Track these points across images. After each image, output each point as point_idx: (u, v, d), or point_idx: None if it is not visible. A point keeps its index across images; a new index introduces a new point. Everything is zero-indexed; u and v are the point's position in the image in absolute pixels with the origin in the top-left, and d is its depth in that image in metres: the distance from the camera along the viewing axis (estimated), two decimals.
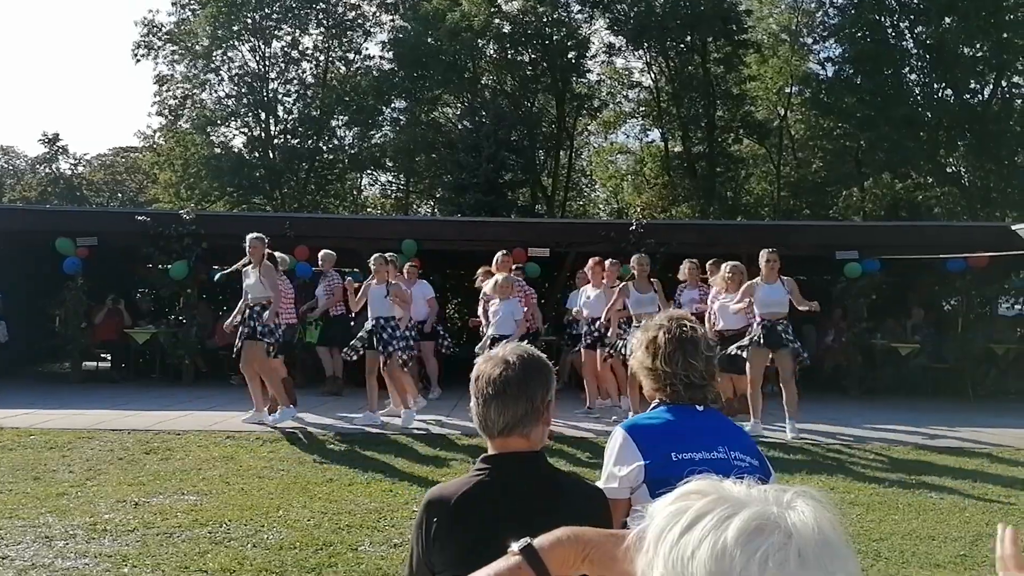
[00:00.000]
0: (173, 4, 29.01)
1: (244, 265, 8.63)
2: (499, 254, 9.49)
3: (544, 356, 2.03)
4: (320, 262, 11.01)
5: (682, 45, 26.68)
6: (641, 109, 30.38)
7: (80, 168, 37.88)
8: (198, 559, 4.58)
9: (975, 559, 4.84)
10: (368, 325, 8.62)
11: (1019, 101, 25.25)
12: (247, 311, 8.43)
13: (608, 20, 26.98)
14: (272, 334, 8.32)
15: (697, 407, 2.32)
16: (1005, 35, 23.33)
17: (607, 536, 1.29)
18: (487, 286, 8.97)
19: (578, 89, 28.61)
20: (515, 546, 1.29)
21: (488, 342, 8.22)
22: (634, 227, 12.48)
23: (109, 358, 14.32)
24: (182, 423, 8.47)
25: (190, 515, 5.35)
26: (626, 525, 2.20)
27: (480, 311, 9.54)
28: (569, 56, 27.30)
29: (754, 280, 8.52)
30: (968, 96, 24.92)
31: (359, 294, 8.81)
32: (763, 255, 8.48)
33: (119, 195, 37.58)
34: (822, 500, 0.82)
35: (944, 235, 13.37)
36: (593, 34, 28.11)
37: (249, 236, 8.54)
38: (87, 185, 36.96)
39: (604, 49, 28.55)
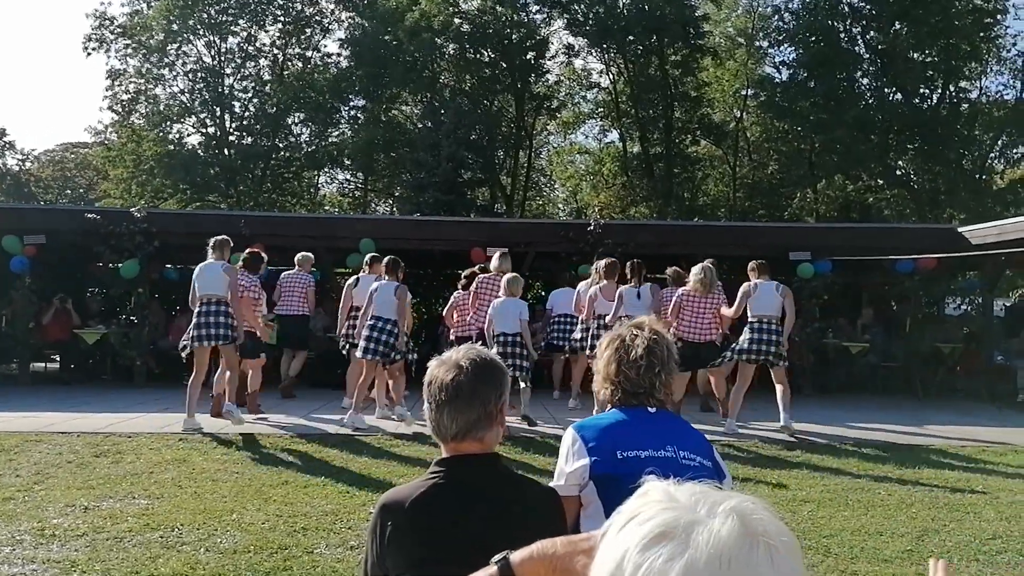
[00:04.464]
0: None
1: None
2: (498, 253, 9.50)
3: (498, 358, 2.04)
4: (296, 264, 10.84)
5: (640, 47, 26.89)
6: (600, 110, 30.57)
7: (28, 164, 37.01)
8: (149, 564, 4.51)
9: (921, 554, 4.96)
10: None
11: (966, 105, 25.92)
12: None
13: (566, 21, 27.09)
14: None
15: (648, 408, 2.37)
16: (953, 41, 23.95)
17: (575, 544, 1.34)
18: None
19: (537, 89, 28.69)
20: (494, 559, 1.36)
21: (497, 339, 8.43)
22: (592, 227, 12.56)
23: (58, 359, 14.02)
24: (133, 425, 8.33)
25: (141, 519, 5.26)
26: (578, 523, 2.24)
27: (447, 312, 9.64)
28: (528, 56, 27.35)
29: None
30: (918, 100, 25.52)
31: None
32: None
33: (68, 192, 36.75)
34: (759, 513, 0.79)
35: (893, 237, 13.68)
36: (552, 35, 28.24)
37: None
38: (35, 182, 36.08)
39: (563, 50, 28.72)
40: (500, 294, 8.65)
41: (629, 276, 9.03)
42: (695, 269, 9.10)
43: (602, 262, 9.26)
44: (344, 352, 9.83)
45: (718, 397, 9.39)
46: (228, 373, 8.39)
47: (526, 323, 8.60)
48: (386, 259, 8.87)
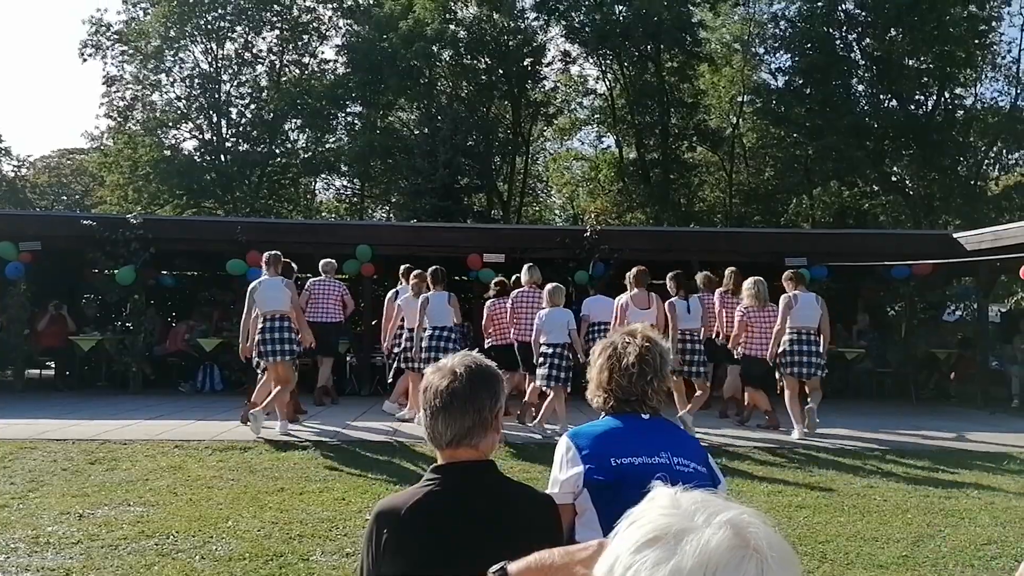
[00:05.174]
0: (124, 3, 28.49)
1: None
2: (526, 267, 9.61)
3: (494, 365, 2.05)
4: (322, 271, 10.77)
5: (636, 53, 26.96)
6: (596, 116, 30.62)
7: (23, 170, 36.94)
8: (144, 572, 4.50)
9: (916, 560, 4.97)
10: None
11: (961, 112, 26.00)
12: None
13: (563, 28, 27.16)
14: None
15: (642, 415, 2.38)
16: (948, 48, 24.03)
17: (572, 554, 1.35)
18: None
19: (534, 95, 28.75)
20: (492, 569, 1.37)
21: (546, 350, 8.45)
22: (588, 233, 12.60)
23: (53, 365, 13.99)
24: (129, 432, 8.31)
25: (136, 527, 5.25)
26: (573, 531, 2.24)
27: (485, 323, 9.93)
28: (525, 63, 27.40)
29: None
30: (913, 107, 25.60)
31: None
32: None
33: (64, 198, 36.70)
34: (755, 526, 0.80)
35: (889, 243, 13.71)
36: (549, 42, 28.30)
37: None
38: (30, 188, 36.04)
39: (560, 56, 28.79)
40: (544, 305, 8.68)
41: (674, 289, 9.02)
42: (747, 284, 9.13)
43: (632, 270, 9.19)
44: (391, 362, 9.86)
45: (753, 408, 9.51)
46: (279, 388, 8.32)
47: (575, 331, 8.64)
48: (431, 269, 9.00)
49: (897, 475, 7.16)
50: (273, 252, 8.48)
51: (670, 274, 9.17)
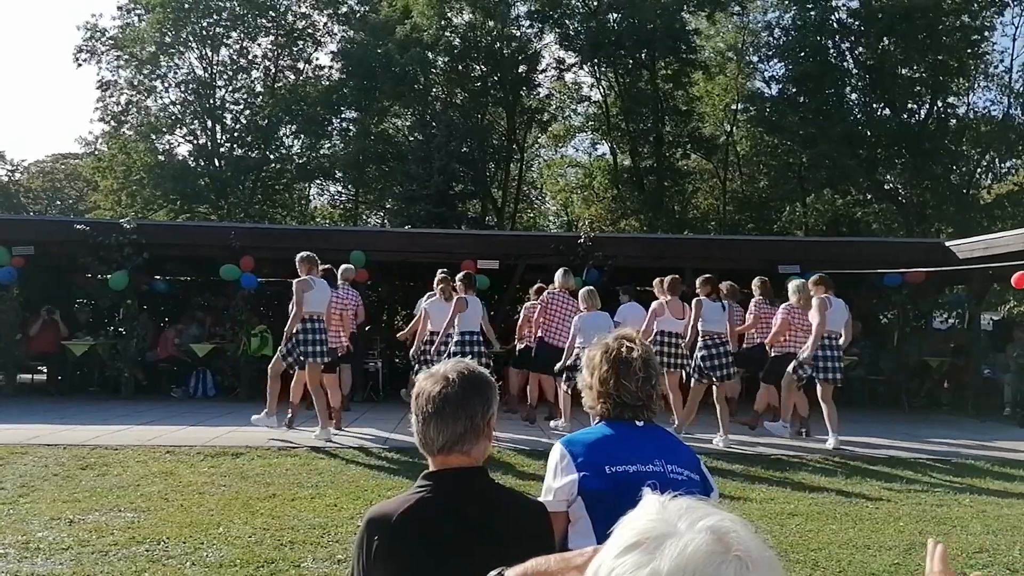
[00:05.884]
0: (119, 9, 28.46)
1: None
2: (561, 270, 9.74)
3: (487, 372, 2.05)
4: (340, 277, 10.50)
5: (631, 61, 27.04)
6: (590, 123, 30.67)
7: (17, 175, 36.86)
8: None
9: (908, 567, 4.97)
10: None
11: (954, 121, 26.12)
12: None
13: (558, 35, 27.22)
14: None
15: (637, 423, 2.38)
16: (941, 57, 24.16)
17: (568, 560, 1.36)
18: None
19: (528, 102, 28.78)
20: (491, 574, 1.39)
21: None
22: (583, 240, 12.61)
23: (45, 370, 13.94)
24: (120, 438, 8.28)
25: (127, 533, 5.22)
26: (566, 539, 2.24)
27: (521, 324, 10.34)
28: (519, 70, 27.45)
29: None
30: (905, 115, 25.71)
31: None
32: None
33: (58, 203, 36.60)
34: (737, 532, 0.81)
35: (882, 251, 13.75)
36: (543, 49, 28.35)
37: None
38: (24, 192, 35.95)
39: (554, 64, 28.83)
40: (581, 308, 8.76)
41: (705, 292, 8.96)
42: (795, 285, 9.22)
43: (667, 278, 9.14)
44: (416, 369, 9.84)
45: (765, 409, 9.53)
46: (278, 386, 8.52)
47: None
48: (464, 274, 9.07)
49: (889, 482, 7.18)
50: (311, 253, 8.42)
51: (704, 277, 9.12)
